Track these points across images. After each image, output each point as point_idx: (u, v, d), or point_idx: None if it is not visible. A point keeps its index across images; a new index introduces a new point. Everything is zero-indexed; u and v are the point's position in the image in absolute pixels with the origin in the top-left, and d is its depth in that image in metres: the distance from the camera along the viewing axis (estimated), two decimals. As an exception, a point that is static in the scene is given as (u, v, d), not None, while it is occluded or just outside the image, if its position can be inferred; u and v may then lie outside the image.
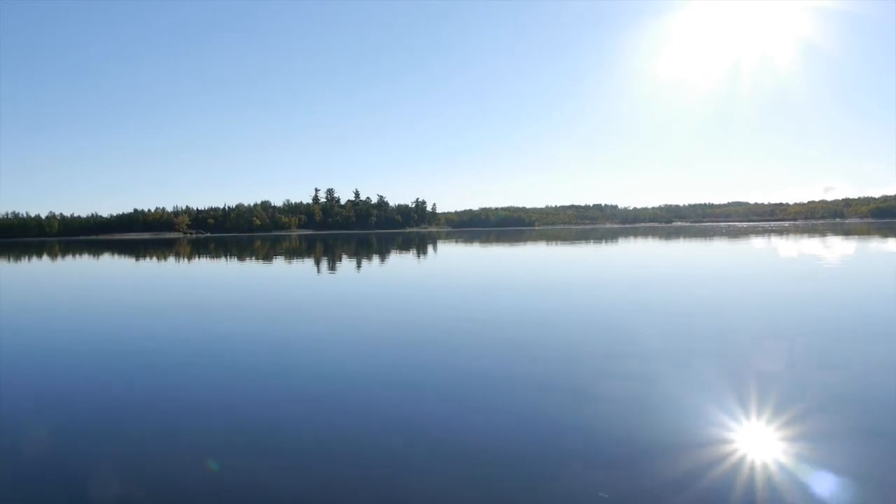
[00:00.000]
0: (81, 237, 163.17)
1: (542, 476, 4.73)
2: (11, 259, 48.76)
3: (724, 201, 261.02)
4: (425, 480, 4.72)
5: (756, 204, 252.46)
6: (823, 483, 4.49)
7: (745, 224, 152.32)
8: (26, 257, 51.34)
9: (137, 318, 14.08)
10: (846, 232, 69.74)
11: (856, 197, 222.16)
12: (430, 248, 49.91)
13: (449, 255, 40.56)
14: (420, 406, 6.57)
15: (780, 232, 75.01)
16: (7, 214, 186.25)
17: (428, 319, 12.59)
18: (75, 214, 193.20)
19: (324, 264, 32.68)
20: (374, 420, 6.09)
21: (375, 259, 36.17)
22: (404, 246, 57.21)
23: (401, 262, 33.16)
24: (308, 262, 34.92)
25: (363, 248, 52.83)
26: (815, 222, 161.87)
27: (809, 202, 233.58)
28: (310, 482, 4.76)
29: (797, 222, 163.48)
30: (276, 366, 8.67)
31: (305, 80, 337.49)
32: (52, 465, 5.23)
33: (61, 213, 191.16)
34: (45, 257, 51.05)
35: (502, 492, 4.49)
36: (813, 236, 57.06)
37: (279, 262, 36.09)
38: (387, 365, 8.43)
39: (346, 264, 31.98)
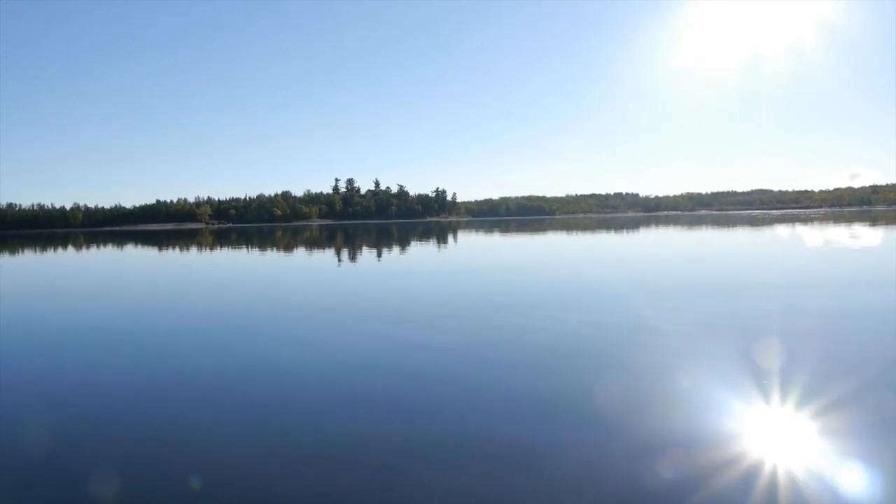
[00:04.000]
0: (105, 228, 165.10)
1: (552, 471, 4.61)
2: (37, 250, 49.43)
3: (746, 189, 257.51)
4: (434, 484, 4.57)
5: (780, 191, 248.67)
6: (850, 480, 4.32)
7: (777, 212, 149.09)
8: (47, 248, 51.98)
9: (143, 311, 14.07)
10: (874, 219, 68.36)
11: (883, 183, 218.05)
12: (450, 239, 49.73)
13: (470, 246, 40.38)
14: (427, 405, 6.40)
15: (810, 220, 73.68)
16: (33, 206, 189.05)
17: (437, 311, 12.42)
18: (99, 206, 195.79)
19: (344, 255, 32.65)
20: (382, 420, 5.95)
21: (396, 249, 36.09)
22: (425, 236, 57.13)
23: (422, 253, 33.02)
24: (328, 253, 34.92)
25: (384, 238, 52.82)
26: (840, 210, 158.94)
27: (835, 189, 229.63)
28: (320, 482, 4.65)
29: (823, 210, 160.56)
30: (285, 362, 8.58)
31: (324, 70, 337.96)
32: (41, 463, 5.15)
33: (85, 205, 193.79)
34: (61, 249, 51.63)
35: (513, 489, 4.36)
36: (843, 224, 55.96)
37: (300, 253, 36.14)
38: (400, 363, 8.29)
39: (367, 255, 31.93)
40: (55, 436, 5.74)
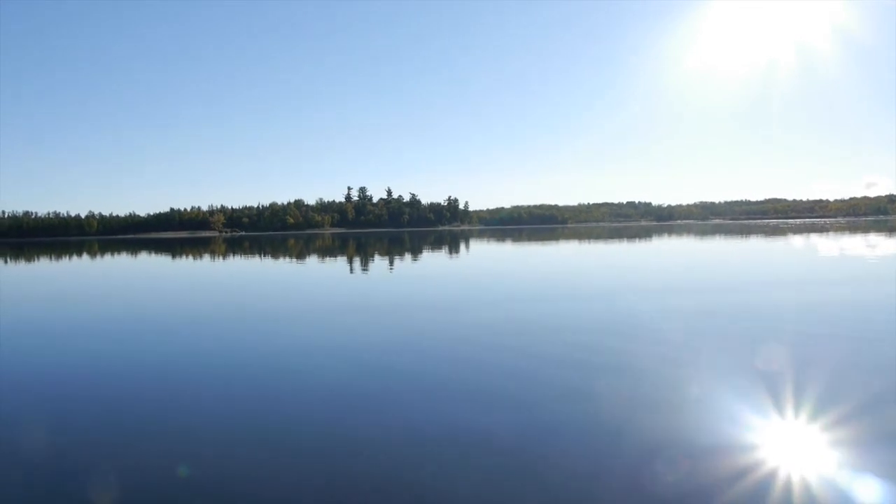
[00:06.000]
0: (119, 236, 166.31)
1: (561, 479, 4.52)
2: (52, 257, 49.77)
3: (760, 198, 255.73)
4: (434, 488, 4.48)
5: (794, 200, 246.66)
6: (863, 489, 4.22)
7: (795, 221, 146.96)
8: (61, 256, 52.31)
9: (148, 317, 14.00)
10: (891, 230, 67.53)
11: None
12: (462, 248, 49.60)
13: (482, 255, 40.22)
14: (430, 409, 6.30)
15: (836, 230, 72.83)
16: (49, 214, 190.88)
17: (443, 320, 12.26)
18: (114, 214, 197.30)
19: (352, 263, 32.57)
20: (380, 422, 5.87)
21: (408, 258, 36.00)
22: (437, 244, 57.02)
23: (432, 262, 32.89)
24: (340, 261, 34.86)
25: (396, 247, 52.76)
26: (855, 219, 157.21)
27: (851, 198, 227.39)
28: (316, 485, 4.58)
29: (843, 220, 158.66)
30: (287, 367, 8.46)
31: (337, 78, 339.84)
32: (38, 466, 5.10)
33: (100, 213, 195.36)
34: (76, 256, 51.93)
35: (518, 496, 4.28)
36: (863, 234, 55.32)
37: (310, 261, 36.11)
38: (401, 367, 8.15)
39: (379, 263, 31.83)
40: (55, 435, 5.73)
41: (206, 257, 44.96)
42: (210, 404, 6.70)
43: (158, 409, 6.58)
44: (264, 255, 44.33)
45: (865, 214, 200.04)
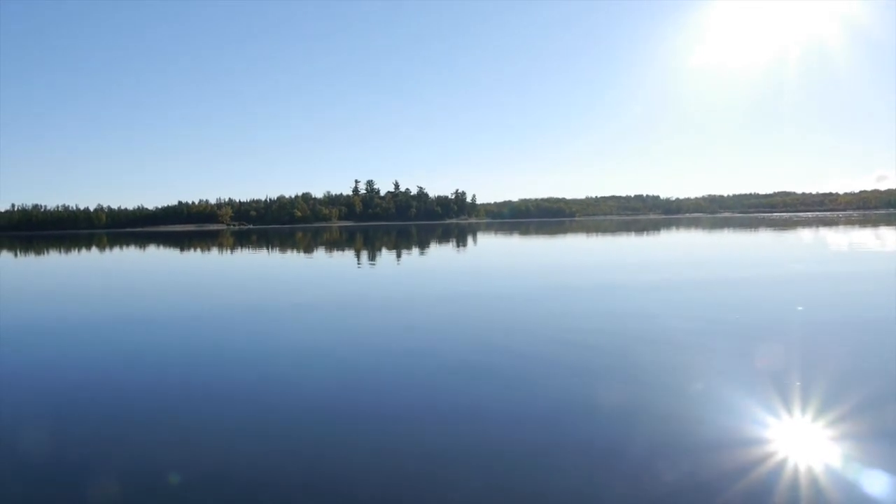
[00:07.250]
0: (128, 229, 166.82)
1: (566, 472, 4.47)
2: (62, 250, 49.91)
3: (769, 191, 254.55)
4: (434, 490, 4.36)
5: (804, 194, 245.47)
6: (872, 484, 4.14)
7: (808, 215, 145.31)
8: (68, 250, 52.43)
9: (150, 313, 13.87)
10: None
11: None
12: (470, 241, 49.43)
13: (489, 248, 40.05)
14: (431, 409, 6.17)
15: (841, 223, 72.21)
16: (58, 207, 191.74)
17: (436, 317, 12.05)
18: (122, 207, 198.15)
19: (363, 257, 32.40)
20: (380, 422, 5.75)
21: (416, 251, 35.86)
22: (444, 238, 56.87)
23: (440, 255, 32.72)
24: (348, 255, 34.72)
25: (403, 240, 52.62)
26: (866, 213, 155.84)
27: (861, 192, 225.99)
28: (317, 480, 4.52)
29: (850, 213, 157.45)
30: (289, 365, 8.32)
31: (345, 71, 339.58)
32: (38, 464, 5.01)
33: (109, 206, 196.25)
34: (85, 249, 52.03)
35: (527, 492, 4.19)
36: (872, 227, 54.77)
37: (318, 255, 35.99)
38: (401, 368, 7.95)
39: (386, 256, 31.67)
40: (52, 433, 5.65)
41: (214, 251, 44.92)
42: (209, 402, 6.59)
43: (158, 406, 6.46)
44: (271, 249, 44.24)
45: (876, 208, 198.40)
